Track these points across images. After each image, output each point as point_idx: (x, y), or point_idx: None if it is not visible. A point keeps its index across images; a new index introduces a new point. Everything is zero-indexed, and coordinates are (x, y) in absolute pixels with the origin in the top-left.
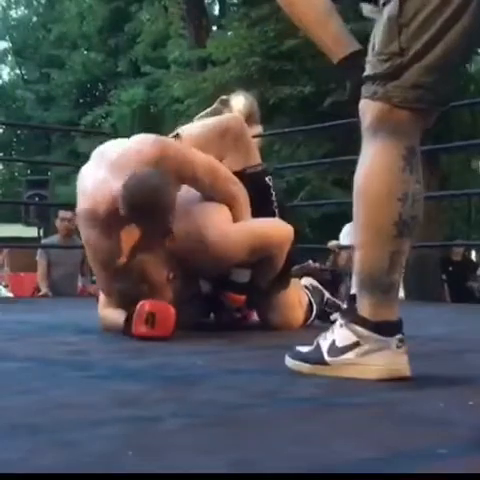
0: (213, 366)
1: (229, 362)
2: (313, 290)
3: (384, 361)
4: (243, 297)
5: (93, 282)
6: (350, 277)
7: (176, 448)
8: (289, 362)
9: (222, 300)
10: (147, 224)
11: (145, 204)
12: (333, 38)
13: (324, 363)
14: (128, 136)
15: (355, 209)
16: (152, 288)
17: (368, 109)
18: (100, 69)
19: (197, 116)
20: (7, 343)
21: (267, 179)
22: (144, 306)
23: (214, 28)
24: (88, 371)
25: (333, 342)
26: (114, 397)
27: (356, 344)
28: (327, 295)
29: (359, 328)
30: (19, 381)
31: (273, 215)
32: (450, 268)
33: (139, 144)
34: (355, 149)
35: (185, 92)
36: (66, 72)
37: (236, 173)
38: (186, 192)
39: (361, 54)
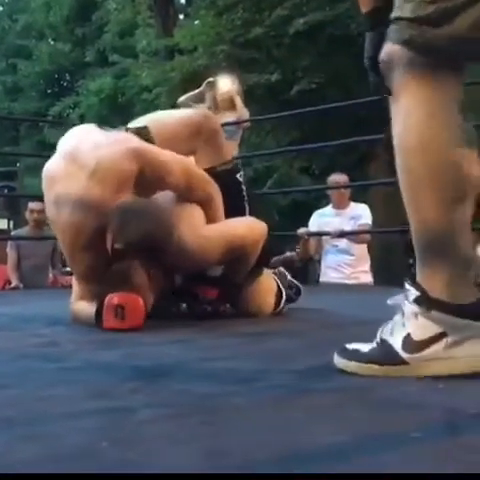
0: (186, 355)
1: (201, 351)
2: (279, 274)
3: (478, 351)
4: (216, 290)
5: (64, 273)
6: (319, 263)
7: (151, 438)
8: (345, 364)
9: (196, 293)
10: (140, 254)
11: (143, 247)
12: None
13: (401, 362)
14: None
15: (411, 174)
16: (134, 291)
17: (400, 58)
18: (67, 59)
19: (182, 98)
20: None
21: (238, 175)
22: (112, 299)
23: (181, 17)
24: (61, 363)
25: (408, 336)
26: (87, 389)
27: (442, 335)
28: (289, 277)
29: (444, 315)
30: None
31: (244, 210)
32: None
33: (118, 152)
34: (321, 136)
35: (153, 81)
36: (33, 62)
37: (206, 170)
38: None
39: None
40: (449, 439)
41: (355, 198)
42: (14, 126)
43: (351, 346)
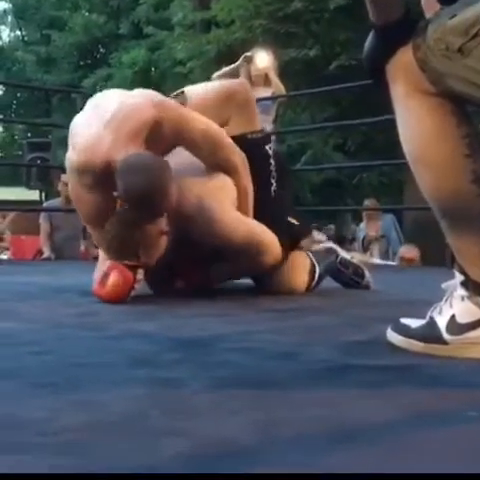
0: (223, 329)
1: (238, 325)
2: (325, 252)
3: None
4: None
5: (95, 245)
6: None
7: (200, 408)
8: (394, 338)
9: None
10: (142, 213)
11: (144, 200)
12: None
13: (442, 342)
14: None
15: (419, 179)
16: (145, 236)
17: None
18: (101, 31)
19: (217, 73)
20: (14, 304)
21: (267, 147)
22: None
23: None
24: (100, 332)
25: (452, 317)
26: (130, 357)
27: None
28: (342, 254)
29: None
30: (31, 342)
31: (269, 186)
32: None
33: (138, 102)
34: (358, 113)
35: (188, 54)
36: (67, 34)
37: (236, 137)
38: (189, 159)
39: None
40: None
41: (388, 172)
42: (46, 98)
43: (404, 321)
